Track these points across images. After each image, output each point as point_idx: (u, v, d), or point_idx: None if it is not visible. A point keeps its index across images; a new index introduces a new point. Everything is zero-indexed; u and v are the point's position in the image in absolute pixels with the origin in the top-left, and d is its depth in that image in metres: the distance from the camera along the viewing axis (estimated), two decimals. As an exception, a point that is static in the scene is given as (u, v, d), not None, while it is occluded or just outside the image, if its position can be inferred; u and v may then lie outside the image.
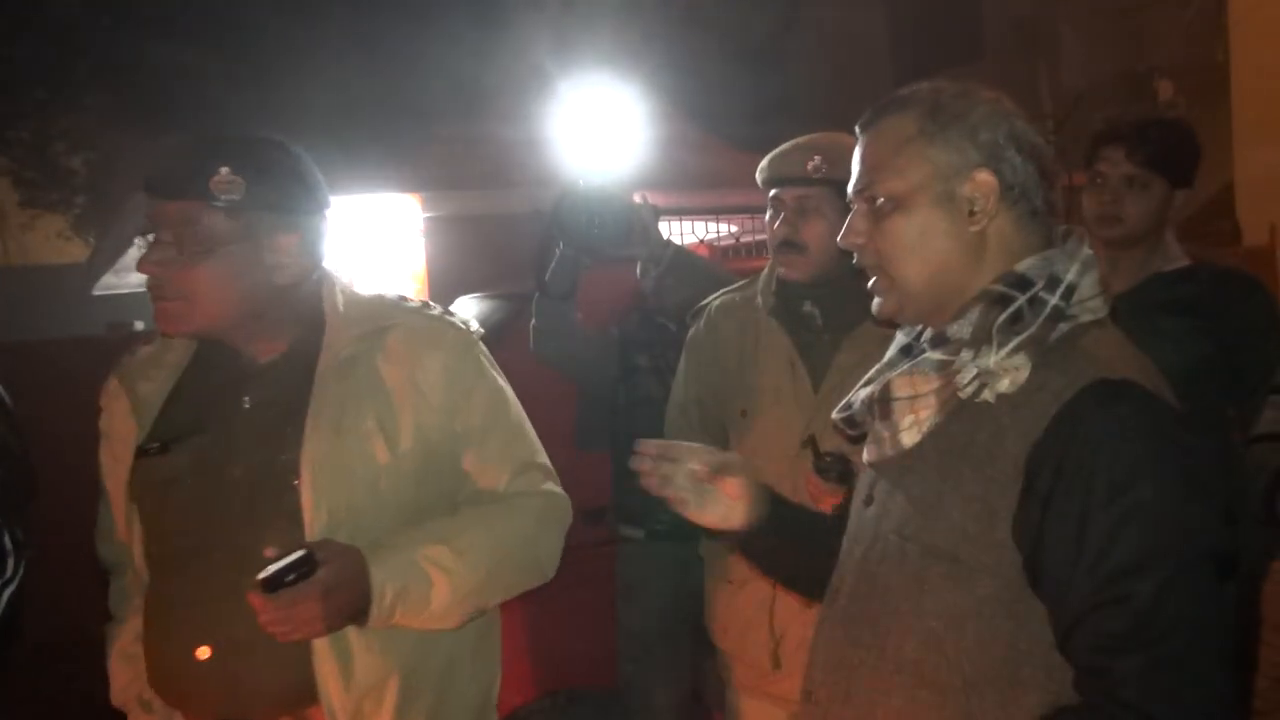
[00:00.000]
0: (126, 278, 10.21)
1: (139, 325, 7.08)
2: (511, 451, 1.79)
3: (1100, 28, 9.94)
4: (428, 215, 9.13)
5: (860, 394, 1.35)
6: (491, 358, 1.83)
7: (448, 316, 1.80)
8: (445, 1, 9.51)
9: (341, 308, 1.73)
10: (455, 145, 8.40)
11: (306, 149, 1.70)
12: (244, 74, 8.95)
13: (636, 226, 2.50)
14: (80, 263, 11.78)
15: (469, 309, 3.79)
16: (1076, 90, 9.49)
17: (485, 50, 8.43)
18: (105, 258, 9.99)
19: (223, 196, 1.57)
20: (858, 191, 1.32)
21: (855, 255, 1.33)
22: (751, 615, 2.19)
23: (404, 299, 1.82)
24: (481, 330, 1.82)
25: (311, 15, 9.48)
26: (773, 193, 2.22)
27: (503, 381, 1.83)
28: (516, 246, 3.55)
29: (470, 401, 1.74)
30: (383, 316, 1.75)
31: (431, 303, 1.85)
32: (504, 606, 1.83)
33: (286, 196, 1.64)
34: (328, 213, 1.72)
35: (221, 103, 8.84)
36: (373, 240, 10.31)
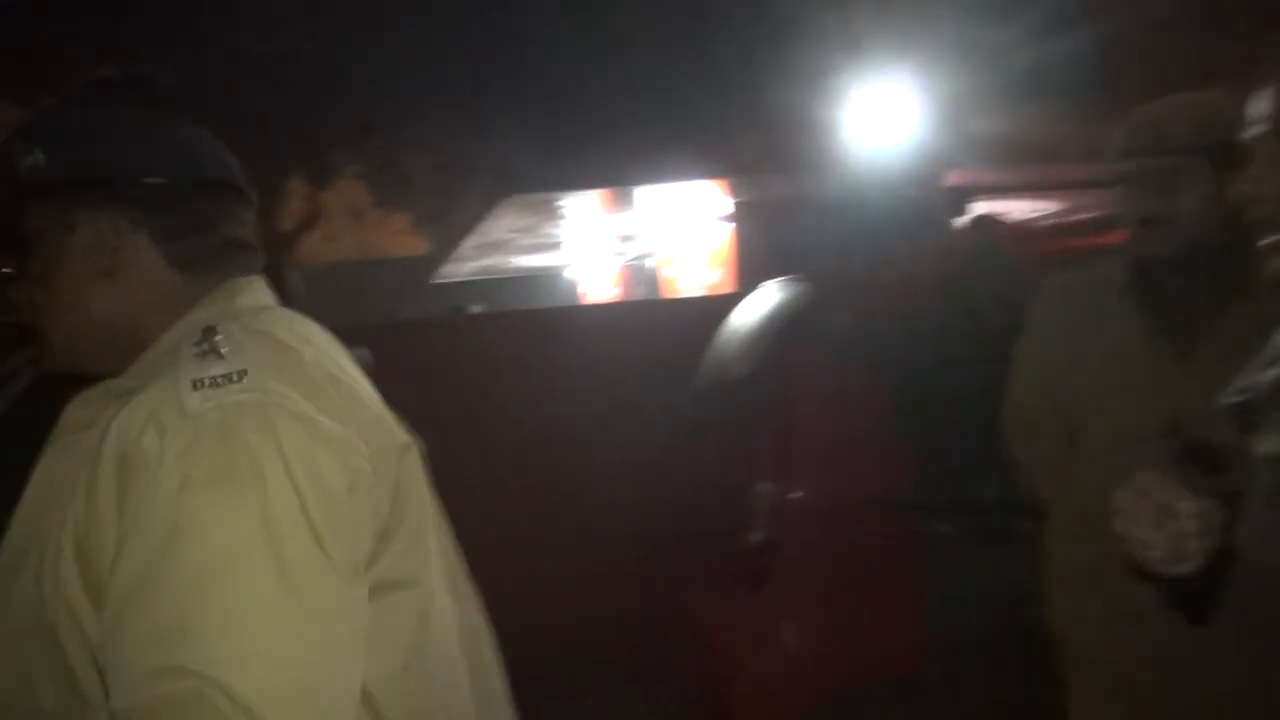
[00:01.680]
0: (460, 267, 11.34)
1: (476, 309, 7.89)
2: (145, 652, 0.90)
3: None
4: (737, 200, 9.26)
5: (1264, 376, 1.19)
6: (280, 460, 0.94)
7: (210, 377, 0.97)
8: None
9: (166, 345, 1.09)
10: (763, 129, 8.48)
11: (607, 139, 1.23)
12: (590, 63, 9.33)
13: (940, 212, 2.47)
14: (420, 256, 13.28)
15: (771, 295, 3.82)
16: None
17: (789, 27, 8.45)
18: (442, 250, 11.07)
19: (24, 171, 1.09)
20: None
21: (1254, 212, 1.14)
22: (1108, 612, 1.97)
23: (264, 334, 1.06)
24: (274, 398, 0.98)
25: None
26: (1133, 164, 2.06)
27: (240, 521, 0.92)
28: (825, 231, 3.56)
29: (131, 538, 0.94)
30: (146, 368, 1.07)
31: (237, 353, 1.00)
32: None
33: (96, 163, 1.10)
34: (212, 194, 1.14)
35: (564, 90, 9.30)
36: (678, 229, 10.64)
